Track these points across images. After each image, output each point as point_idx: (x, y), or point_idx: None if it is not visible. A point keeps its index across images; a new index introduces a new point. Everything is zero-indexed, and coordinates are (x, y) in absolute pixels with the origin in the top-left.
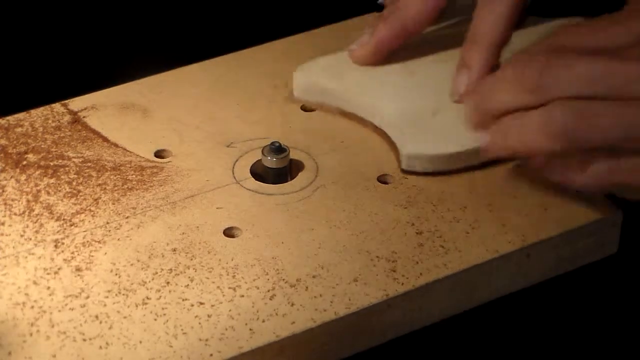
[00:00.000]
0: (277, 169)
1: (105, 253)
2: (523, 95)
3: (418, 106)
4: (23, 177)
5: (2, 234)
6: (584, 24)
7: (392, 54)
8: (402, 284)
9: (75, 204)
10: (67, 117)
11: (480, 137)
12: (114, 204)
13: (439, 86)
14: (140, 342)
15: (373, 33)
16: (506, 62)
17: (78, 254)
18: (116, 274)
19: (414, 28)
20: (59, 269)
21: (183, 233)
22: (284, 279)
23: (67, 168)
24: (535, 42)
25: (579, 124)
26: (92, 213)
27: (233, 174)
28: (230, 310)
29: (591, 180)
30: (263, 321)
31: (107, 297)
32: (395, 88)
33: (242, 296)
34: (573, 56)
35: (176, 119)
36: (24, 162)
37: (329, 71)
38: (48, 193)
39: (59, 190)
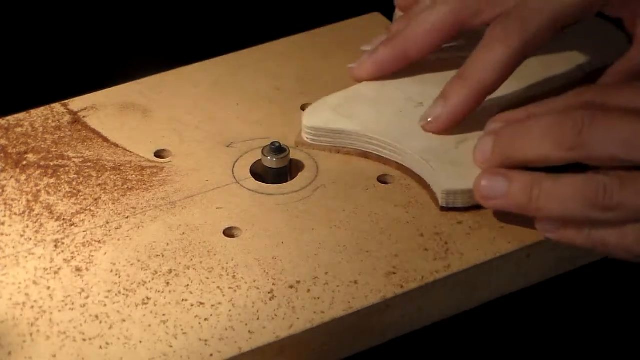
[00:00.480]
0: (277, 169)
1: (105, 253)
2: (559, 151)
3: (439, 138)
4: (23, 177)
5: (2, 234)
6: (622, 85)
7: (397, 82)
8: (402, 284)
9: (75, 204)
10: (67, 117)
11: (492, 185)
12: (114, 204)
13: None
14: (140, 342)
15: (373, 53)
16: (543, 112)
17: (78, 254)
18: (116, 274)
19: (415, 55)
20: (59, 269)
21: (183, 233)
22: (283, 279)
23: (67, 168)
24: (571, 93)
25: (624, 195)
26: (92, 213)
27: (233, 174)
28: (230, 311)
29: (625, 248)
30: (263, 321)
31: (107, 297)
32: (411, 122)
33: (242, 296)
34: (616, 116)
35: (176, 119)
36: (24, 162)
37: (339, 112)
38: (48, 193)
39: (59, 190)
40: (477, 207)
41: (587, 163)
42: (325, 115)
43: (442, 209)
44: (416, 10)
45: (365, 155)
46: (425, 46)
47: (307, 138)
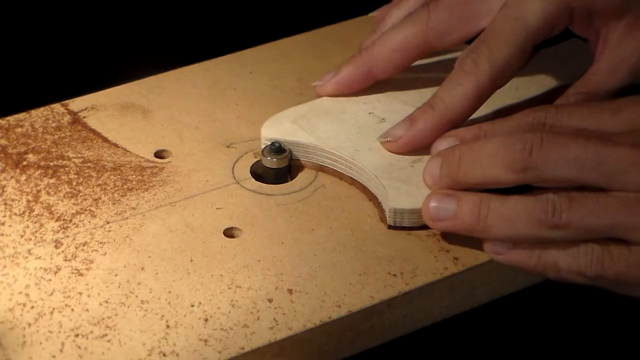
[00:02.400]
0: (277, 169)
1: (105, 253)
2: (509, 173)
3: (396, 156)
4: (23, 177)
5: (2, 234)
6: (575, 106)
7: (362, 97)
8: (402, 284)
9: (75, 204)
10: (67, 117)
11: (440, 206)
12: (114, 204)
13: None
14: (140, 342)
15: (337, 72)
16: (494, 132)
17: (78, 254)
18: (116, 274)
19: (380, 75)
20: (59, 269)
21: (183, 233)
22: (283, 280)
23: (67, 168)
24: (523, 113)
25: (573, 215)
26: (92, 213)
27: (233, 174)
28: (230, 311)
29: (577, 270)
30: (263, 321)
31: (107, 297)
32: (370, 138)
33: (242, 296)
34: (566, 138)
35: (176, 119)
36: (24, 162)
37: (299, 124)
38: (48, 193)
39: (59, 190)
40: (425, 227)
41: (538, 185)
42: (284, 127)
43: (390, 227)
44: (384, 25)
45: (322, 168)
46: (390, 67)
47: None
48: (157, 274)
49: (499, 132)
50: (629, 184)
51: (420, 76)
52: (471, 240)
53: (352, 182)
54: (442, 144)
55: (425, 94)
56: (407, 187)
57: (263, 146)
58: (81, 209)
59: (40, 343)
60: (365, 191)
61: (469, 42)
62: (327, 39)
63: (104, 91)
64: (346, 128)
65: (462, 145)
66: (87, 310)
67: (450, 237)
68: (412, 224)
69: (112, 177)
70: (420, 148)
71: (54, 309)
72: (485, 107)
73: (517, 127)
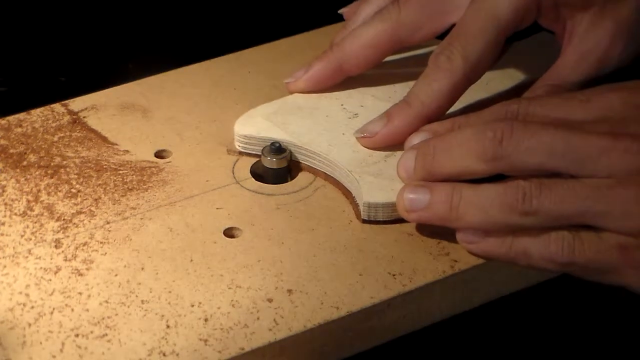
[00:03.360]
0: (277, 169)
1: (105, 253)
2: (480, 163)
3: (362, 154)
4: (23, 177)
5: (2, 234)
6: (547, 97)
7: (334, 92)
8: (402, 284)
9: (75, 204)
10: (67, 118)
11: (414, 197)
12: (114, 204)
13: None
14: (140, 342)
15: (308, 68)
16: (467, 124)
17: (78, 254)
18: (116, 274)
19: (351, 70)
20: (59, 269)
21: (183, 233)
22: (283, 279)
23: (67, 168)
24: (497, 106)
25: (543, 201)
26: (92, 213)
27: (233, 174)
28: (230, 311)
29: (548, 257)
30: (263, 321)
31: (107, 297)
32: (343, 133)
33: (242, 296)
34: (535, 126)
35: (176, 119)
36: (24, 162)
37: (272, 120)
38: (48, 193)
39: (59, 190)
40: (399, 221)
41: (510, 174)
42: (257, 123)
43: (364, 221)
44: (356, 21)
45: (296, 164)
46: (361, 62)
47: (239, 146)
48: (157, 274)
49: (472, 124)
50: (598, 170)
51: (390, 71)
52: None
53: (326, 177)
54: (415, 138)
55: (397, 89)
56: (381, 181)
57: (237, 143)
58: (81, 209)
59: (40, 343)
60: (339, 186)
61: (440, 37)
62: (327, 39)
63: (104, 91)
64: (319, 123)
65: (436, 137)
66: (87, 310)
67: (450, 237)
68: (386, 218)
69: (112, 177)
70: (396, 144)
71: (54, 309)
72: (457, 103)
73: (489, 118)
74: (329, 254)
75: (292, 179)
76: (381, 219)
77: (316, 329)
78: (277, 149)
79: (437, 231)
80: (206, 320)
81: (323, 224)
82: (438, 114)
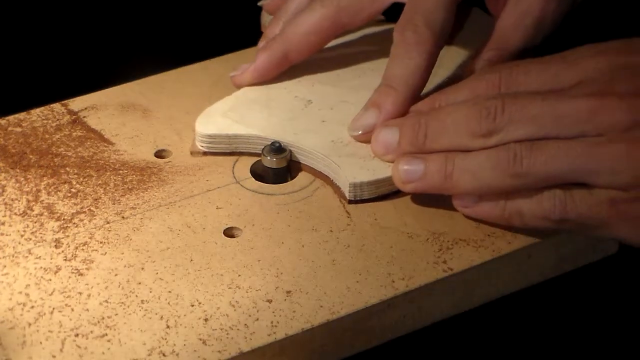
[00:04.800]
0: (277, 169)
1: (105, 253)
2: (476, 139)
3: (334, 134)
4: (23, 177)
5: (2, 234)
6: (528, 64)
7: (282, 82)
8: (402, 284)
9: (75, 204)
10: (67, 117)
11: (409, 168)
12: (114, 204)
13: (336, 115)
14: (140, 342)
15: (254, 59)
16: (454, 101)
17: (78, 254)
18: (116, 274)
19: (295, 58)
20: (59, 269)
21: (183, 233)
22: (283, 279)
23: (67, 168)
24: (474, 77)
25: (534, 161)
26: (92, 213)
27: (233, 174)
28: (230, 311)
29: (542, 215)
30: (263, 321)
31: (107, 297)
32: (304, 121)
33: (242, 296)
34: (524, 99)
35: (176, 119)
36: (24, 162)
37: (230, 117)
38: (48, 193)
39: (59, 190)
40: (382, 197)
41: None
42: (217, 122)
43: (350, 202)
44: (288, 11)
45: (296, 164)
46: (305, 49)
47: (202, 146)
48: (157, 273)
49: (455, 100)
50: (588, 131)
51: (327, 56)
52: (470, 240)
53: (299, 165)
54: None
55: (339, 73)
56: (358, 160)
57: (199, 144)
58: (81, 208)
59: (40, 343)
60: (315, 173)
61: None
62: None
63: (104, 91)
64: (277, 115)
65: (426, 115)
66: (87, 310)
67: (450, 237)
68: (370, 195)
69: (112, 177)
70: None
71: (54, 308)
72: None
73: (472, 93)
74: (329, 254)
75: (292, 178)
76: (367, 197)
77: (316, 329)
78: (277, 148)
79: (438, 231)
80: (206, 320)
81: (323, 224)
82: (420, 91)
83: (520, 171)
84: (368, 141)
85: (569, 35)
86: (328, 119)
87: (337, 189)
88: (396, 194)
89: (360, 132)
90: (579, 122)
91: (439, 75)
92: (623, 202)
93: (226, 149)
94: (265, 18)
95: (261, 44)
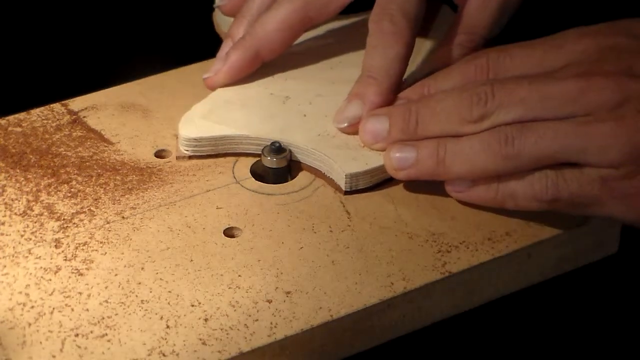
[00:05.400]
0: (277, 169)
1: (105, 253)
2: (466, 125)
3: (319, 127)
4: (23, 177)
5: (2, 234)
6: (515, 49)
7: (256, 81)
8: (402, 284)
9: (75, 204)
10: (67, 117)
11: (401, 155)
12: (113, 204)
13: (317, 109)
14: (140, 342)
15: (225, 59)
16: (443, 89)
17: (78, 254)
18: (116, 274)
19: (267, 55)
20: (59, 269)
21: (183, 233)
22: (283, 279)
23: (67, 168)
24: (463, 62)
25: (524, 141)
26: (92, 213)
27: (233, 173)
28: (230, 311)
29: (534, 196)
30: (263, 321)
31: (107, 297)
32: (286, 118)
33: (242, 296)
34: (512, 83)
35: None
36: (24, 162)
37: (211, 119)
38: (48, 193)
39: (59, 190)
40: (376, 186)
41: None
42: (200, 125)
43: (346, 192)
44: (251, 9)
45: (247, 156)
46: (276, 45)
47: (187, 150)
48: (157, 273)
49: (444, 87)
50: (577, 111)
51: (293, 51)
52: (470, 240)
53: (299, 165)
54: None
55: (310, 68)
56: (349, 151)
57: (182, 148)
58: (81, 208)
59: (40, 343)
60: (306, 167)
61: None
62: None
63: (104, 91)
64: (258, 113)
65: (417, 103)
66: (87, 310)
67: (450, 237)
68: (365, 185)
69: (112, 177)
70: None
71: (54, 308)
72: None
73: (462, 79)
74: (328, 254)
75: (292, 178)
76: (362, 187)
77: (316, 329)
78: (277, 148)
79: (438, 231)
80: (206, 320)
81: (323, 224)
82: (401, 79)
83: (512, 152)
84: (355, 132)
85: (554, 19)
86: (309, 113)
87: (330, 181)
88: (389, 181)
89: (346, 124)
90: (568, 103)
91: (409, 70)
92: (613, 180)
93: (212, 151)
94: (219, 19)
95: (227, 44)
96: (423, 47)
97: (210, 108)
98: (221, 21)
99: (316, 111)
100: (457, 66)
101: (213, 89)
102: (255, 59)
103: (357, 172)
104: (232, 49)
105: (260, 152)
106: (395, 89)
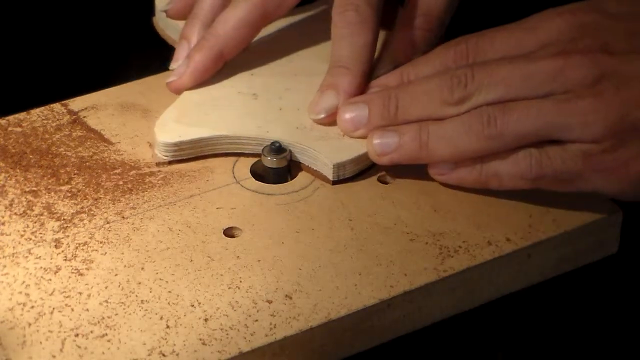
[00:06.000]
0: (277, 169)
1: (105, 253)
2: (447, 108)
3: (297, 120)
4: (23, 177)
5: (2, 234)
6: (493, 32)
7: (221, 82)
8: (402, 284)
9: (75, 204)
10: (67, 117)
11: (383, 141)
12: (113, 204)
13: (288, 103)
14: (140, 342)
15: (189, 61)
16: (424, 73)
17: (78, 254)
18: (116, 274)
19: (230, 53)
20: (59, 268)
21: (183, 233)
22: (283, 279)
23: (67, 168)
24: (442, 48)
25: (506, 121)
26: (92, 213)
27: (233, 173)
28: (230, 311)
29: (519, 175)
30: (263, 321)
31: (107, 297)
32: (260, 114)
33: (242, 296)
34: (491, 64)
35: None
36: (24, 162)
37: (185, 123)
38: (48, 193)
39: (59, 190)
40: (361, 173)
41: None
42: (176, 129)
43: (334, 182)
44: (203, 9)
45: (226, 156)
46: (238, 43)
47: (167, 156)
48: (157, 273)
49: (424, 73)
50: (556, 89)
51: (250, 47)
52: (470, 240)
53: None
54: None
55: (271, 63)
56: (332, 141)
57: (161, 154)
58: (81, 208)
59: (40, 343)
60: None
61: None
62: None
63: (104, 91)
64: (231, 112)
65: (396, 88)
66: (87, 310)
67: (450, 237)
68: (352, 173)
69: (112, 177)
70: None
71: (54, 308)
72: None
73: (441, 64)
74: (329, 254)
75: (292, 178)
76: (348, 175)
77: (316, 329)
78: (277, 148)
79: (437, 231)
80: (206, 320)
81: (323, 224)
82: (370, 68)
83: (495, 132)
84: (332, 123)
85: (530, 3)
86: (282, 107)
87: (315, 173)
88: (373, 167)
89: (323, 115)
90: (547, 81)
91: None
92: (595, 154)
93: (192, 154)
94: (163, 23)
95: (183, 47)
96: (380, 34)
97: (181, 112)
98: (165, 25)
99: (289, 105)
100: (436, 52)
101: (179, 92)
102: (219, 58)
103: (344, 161)
104: (195, 50)
105: (239, 152)
106: (366, 77)
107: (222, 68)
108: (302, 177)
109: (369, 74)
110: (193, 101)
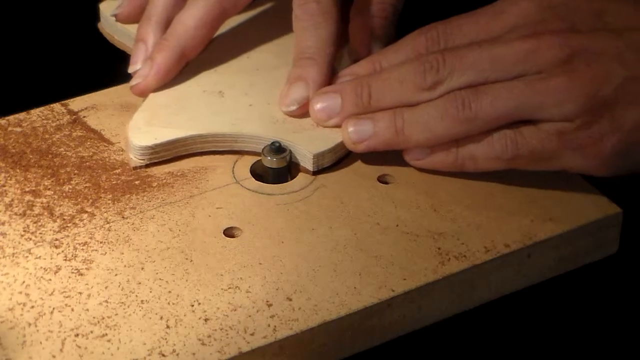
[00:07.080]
0: (277, 169)
1: (105, 253)
2: (420, 93)
3: (267, 116)
4: (23, 177)
5: (2, 234)
6: (462, 19)
7: (185, 82)
8: (402, 284)
9: (75, 204)
10: (67, 117)
11: (358, 129)
12: (113, 204)
13: (256, 98)
14: (140, 342)
15: (151, 63)
16: (395, 61)
17: (78, 254)
18: (116, 274)
19: (192, 52)
20: (59, 268)
21: (183, 233)
22: (283, 279)
23: (67, 168)
24: (412, 36)
25: (480, 103)
26: (92, 213)
27: (233, 173)
28: (230, 311)
29: (494, 156)
30: (263, 321)
31: (106, 297)
32: (231, 112)
33: (242, 296)
34: (462, 49)
35: None
36: (24, 162)
37: (156, 125)
38: (48, 193)
39: (59, 190)
40: (340, 161)
41: None
42: (150, 132)
43: (315, 173)
44: (157, 9)
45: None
46: (199, 42)
47: (142, 159)
48: (157, 274)
49: (395, 61)
50: (528, 70)
51: (210, 44)
52: (470, 241)
53: (241, 154)
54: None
55: (230, 60)
56: (308, 132)
57: (137, 158)
58: (81, 208)
59: (40, 343)
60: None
61: None
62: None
63: (104, 91)
64: (200, 111)
65: (367, 77)
66: (87, 310)
67: (450, 237)
68: (331, 162)
69: (112, 177)
70: None
71: (54, 308)
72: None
73: (413, 51)
74: (329, 254)
75: (292, 178)
76: (327, 165)
77: (316, 328)
78: (277, 148)
79: (437, 231)
80: (206, 320)
81: (323, 224)
82: (335, 55)
83: (470, 115)
84: (304, 115)
85: None
86: (252, 103)
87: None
88: (349, 155)
89: (294, 107)
90: (518, 63)
91: None
92: (570, 132)
93: (167, 155)
94: (110, 29)
95: (140, 49)
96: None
97: (152, 114)
98: (113, 30)
99: (258, 100)
100: (407, 39)
101: (144, 95)
102: (181, 58)
103: (323, 150)
104: (156, 51)
105: (220, 147)
106: (332, 68)
107: (184, 67)
108: (302, 177)
109: (333, 64)
110: (160, 103)
